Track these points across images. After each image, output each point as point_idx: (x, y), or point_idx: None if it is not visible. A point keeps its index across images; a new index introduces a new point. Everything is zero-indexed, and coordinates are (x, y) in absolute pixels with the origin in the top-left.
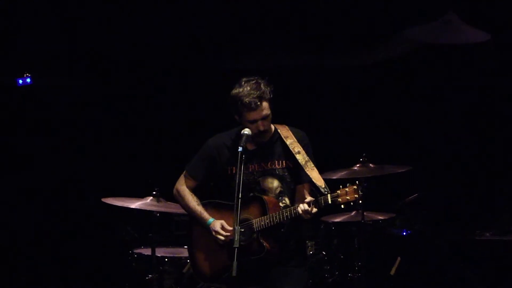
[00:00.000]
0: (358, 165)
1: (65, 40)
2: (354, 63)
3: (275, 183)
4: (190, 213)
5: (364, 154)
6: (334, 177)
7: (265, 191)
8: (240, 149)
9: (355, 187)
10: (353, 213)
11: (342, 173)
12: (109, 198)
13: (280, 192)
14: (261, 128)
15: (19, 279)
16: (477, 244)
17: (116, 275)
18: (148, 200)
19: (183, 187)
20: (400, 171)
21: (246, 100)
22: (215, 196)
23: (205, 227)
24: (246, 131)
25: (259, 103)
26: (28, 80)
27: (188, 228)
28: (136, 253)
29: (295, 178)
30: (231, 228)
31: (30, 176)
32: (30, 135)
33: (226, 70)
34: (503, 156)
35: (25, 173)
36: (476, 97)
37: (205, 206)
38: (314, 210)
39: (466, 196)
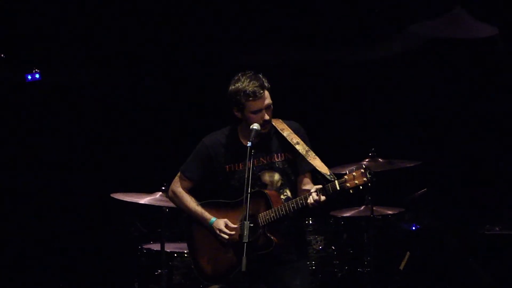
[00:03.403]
0: (367, 160)
1: (72, 35)
2: (363, 58)
3: (276, 177)
4: (190, 214)
5: (373, 149)
6: (343, 172)
7: (266, 185)
8: (249, 144)
9: (362, 170)
10: (362, 208)
11: (351, 168)
12: (118, 194)
13: (281, 185)
14: (266, 117)
15: (28, 273)
16: (486, 239)
17: (125, 270)
18: (157, 196)
19: (179, 188)
20: (409, 165)
21: (249, 89)
22: (213, 195)
23: (207, 227)
24: (255, 126)
25: (261, 91)
26: (37, 76)
27: (187, 229)
28: (145, 249)
29: (295, 169)
30: (235, 226)
31: (38, 171)
32: (39, 130)
33: (234, 65)
34: None
35: (33, 168)
36: (485, 93)
37: (203, 206)
38: (322, 198)
39: (475, 191)
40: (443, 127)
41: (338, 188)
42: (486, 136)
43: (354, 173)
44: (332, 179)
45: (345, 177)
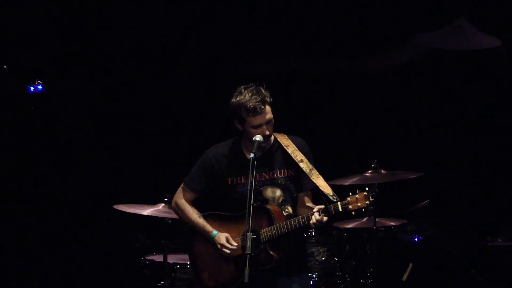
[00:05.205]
0: (369, 171)
1: (74, 44)
2: (366, 69)
3: (278, 193)
4: (192, 225)
5: (375, 160)
6: (346, 183)
7: (268, 200)
8: (252, 155)
9: (365, 193)
10: (365, 219)
11: (354, 179)
12: (120, 205)
13: (282, 201)
14: (267, 132)
15: (30, 285)
16: (489, 250)
17: (128, 282)
18: (160, 207)
19: (182, 200)
20: (411, 177)
21: (250, 105)
22: (215, 207)
23: (209, 240)
24: (258, 137)
25: (262, 106)
26: (40, 87)
27: (189, 240)
28: (148, 260)
29: (297, 186)
30: (236, 241)
31: (40, 182)
32: (41, 142)
33: (238, 76)
34: None
35: (36, 180)
36: (489, 103)
37: (205, 218)
38: (325, 218)
39: (477, 202)
40: (445, 138)
41: (340, 210)
42: (489, 147)
43: (357, 196)
44: (335, 200)
45: (348, 199)
